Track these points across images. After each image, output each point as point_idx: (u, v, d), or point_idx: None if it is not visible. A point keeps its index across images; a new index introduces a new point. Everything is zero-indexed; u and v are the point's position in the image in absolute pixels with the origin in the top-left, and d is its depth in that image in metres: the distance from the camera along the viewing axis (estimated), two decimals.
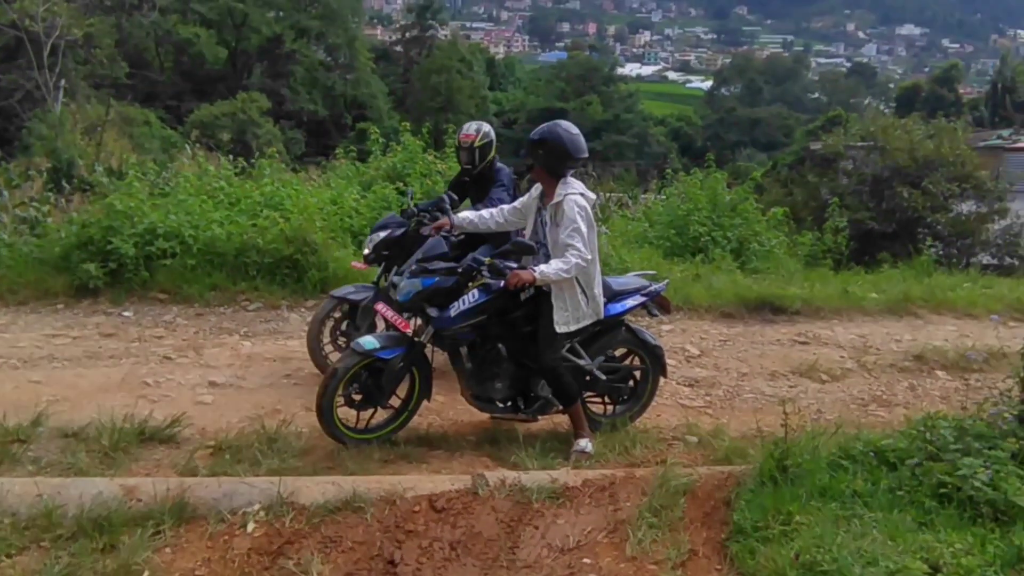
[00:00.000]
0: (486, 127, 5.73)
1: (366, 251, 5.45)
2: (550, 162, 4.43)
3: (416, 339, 4.47)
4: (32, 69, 26.01)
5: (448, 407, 5.16)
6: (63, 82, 27.16)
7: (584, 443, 4.55)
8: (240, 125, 32.90)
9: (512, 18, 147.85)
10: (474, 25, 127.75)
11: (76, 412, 4.61)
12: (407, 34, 55.65)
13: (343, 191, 8.15)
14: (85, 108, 24.71)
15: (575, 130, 4.50)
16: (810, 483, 3.62)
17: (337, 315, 5.59)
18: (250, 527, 3.51)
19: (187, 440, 4.44)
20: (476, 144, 5.60)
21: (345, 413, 4.46)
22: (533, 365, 4.59)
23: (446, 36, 57.99)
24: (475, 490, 3.84)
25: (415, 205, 5.63)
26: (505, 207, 4.87)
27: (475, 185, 5.78)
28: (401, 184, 8.46)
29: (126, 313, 6.45)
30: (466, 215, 4.89)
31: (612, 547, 3.57)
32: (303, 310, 6.77)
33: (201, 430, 4.57)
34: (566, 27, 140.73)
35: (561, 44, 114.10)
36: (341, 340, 5.58)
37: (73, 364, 5.45)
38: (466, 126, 5.75)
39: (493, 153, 5.72)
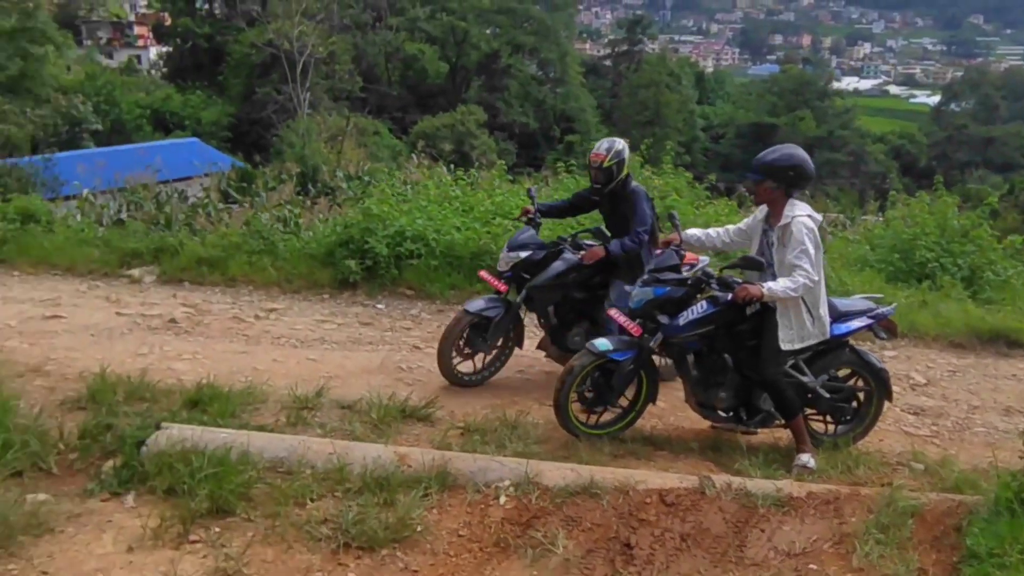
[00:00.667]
0: (619, 145, 5.62)
1: (501, 267, 5.58)
2: (795, 184, 4.60)
3: (645, 345, 4.79)
4: (285, 84, 29.02)
5: (669, 412, 5.43)
6: (309, 95, 30.09)
7: (806, 458, 4.68)
8: (459, 136, 34.68)
9: (722, 31, 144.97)
10: (683, 39, 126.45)
11: (347, 388, 5.32)
12: (616, 49, 56.29)
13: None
14: (327, 119, 27.15)
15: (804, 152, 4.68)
16: None
17: (468, 328, 5.59)
18: (502, 500, 3.97)
19: (440, 420, 5.00)
20: (605, 164, 5.52)
21: (578, 408, 4.86)
22: (756, 378, 4.78)
23: (655, 50, 58.04)
24: (702, 489, 4.09)
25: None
26: (731, 227, 5.07)
27: (607, 203, 5.72)
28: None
29: (379, 305, 7.26)
30: (694, 232, 5.13)
31: (838, 557, 3.71)
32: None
33: (450, 413, 5.13)
34: (778, 39, 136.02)
35: (773, 57, 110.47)
36: (467, 350, 5.65)
37: (340, 347, 6.25)
38: (597, 144, 5.68)
39: (626, 171, 5.62)
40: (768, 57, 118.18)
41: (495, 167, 10.61)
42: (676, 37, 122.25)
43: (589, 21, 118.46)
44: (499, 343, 5.71)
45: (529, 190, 6.22)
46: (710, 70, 77.61)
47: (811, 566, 3.65)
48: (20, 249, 7.77)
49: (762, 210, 4.81)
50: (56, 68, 35.74)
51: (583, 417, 4.90)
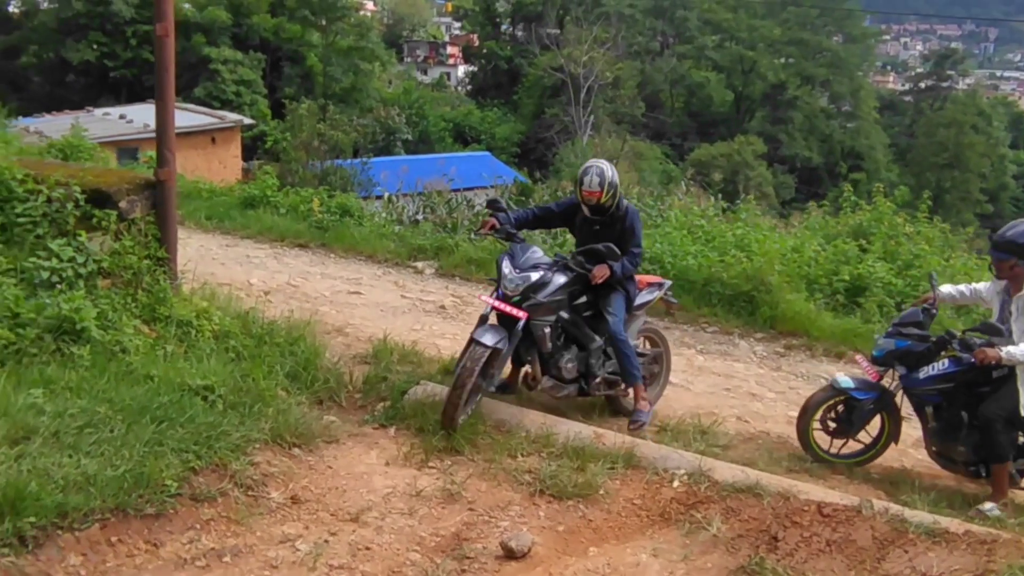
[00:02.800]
0: (609, 173, 5.28)
1: (510, 291, 5.08)
2: None
3: (887, 389, 5.27)
4: (571, 106, 31.05)
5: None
6: (592, 118, 31.90)
7: (991, 506, 4.89)
8: (734, 166, 34.74)
9: None
10: (1006, 74, 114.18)
11: None
12: (919, 84, 52.65)
13: (806, 241, 9.01)
14: (606, 141, 28.71)
15: None
16: None
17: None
18: (675, 484, 4.73)
19: None
20: (603, 201, 5.26)
21: (821, 436, 5.41)
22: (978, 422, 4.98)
23: (969, 85, 53.51)
24: (859, 508, 4.56)
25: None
26: (978, 286, 5.37)
27: (599, 225, 5.44)
28: (864, 241, 9.01)
29: None
30: (948, 290, 5.47)
31: None
32: (752, 339, 7.83)
33: (654, 413, 5.93)
34: None
35: None
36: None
37: None
38: (587, 179, 5.25)
39: (619, 196, 5.38)
40: None
41: (745, 199, 11.09)
42: (999, 72, 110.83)
43: (896, 52, 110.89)
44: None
45: (496, 201, 5.64)
46: None
47: None
48: (337, 236, 9.67)
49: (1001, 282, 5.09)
50: (379, 82, 40.84)
51: (825, 444, 5.43)
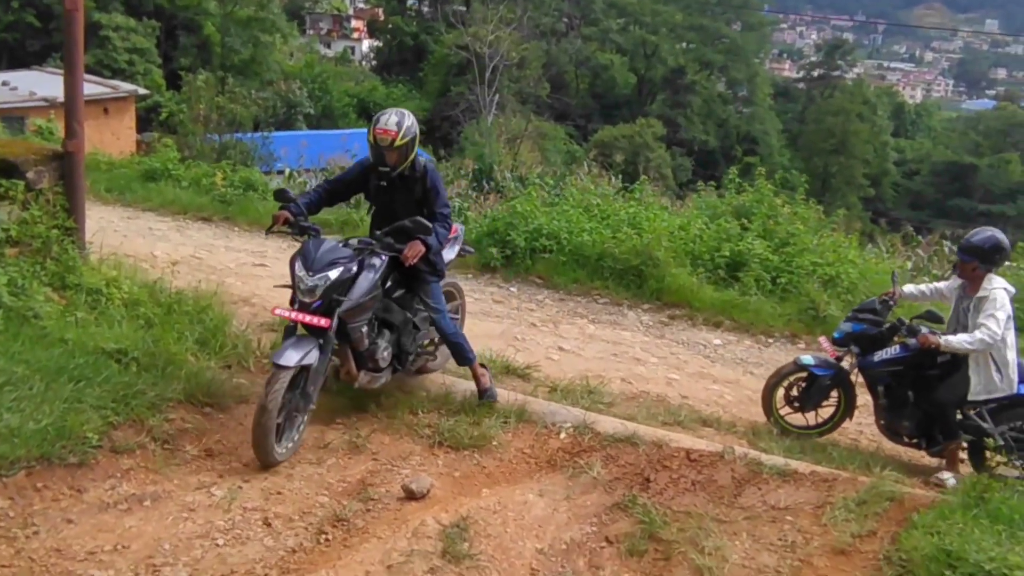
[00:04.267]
0: (409, 121, 4.88)
1: (306, 297, 4.54)
2: (998, 264, 5.52)
3: (843, 368, 5.87)
4: (475, 84, 31.33)
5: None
6: (497, 97, 32.31)
7: (948, 476, 5.44)
8: (635, 148, 35.74)
9: (938, 60, 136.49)
10: (893, 65, 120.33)
11: (473, 339, 6.73)
12: (813, 72, 55.13)
13: (692, 219, 9.68)
14: (511, 121, 29.16)
15: None
16: None
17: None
18: (562, 435, 5.23)
19: (535, 379, 6.30)
20: (398, 142, 4.80)
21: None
22: (932, 410, 5.62)
23: (859, 75, 56.30)
24: (723, 454, 5.16)
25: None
26: (939, 285, 5.93)
27: (390, 187, 4.99)
28: (745, 220, 9.74)
29: (512, 288, 8.66)
30: (910, 289, 6.02)
31: (812, 516, 4.67)
32: (640, 310, 8.42)
33: (546, 375, 6.40)
34: (1002, 73, 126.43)
35: (992, 92, 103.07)
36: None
37: (472, 316, 7.55)
38: (383, 118, 4.87)
39: (416, 150, 4.96)
40: (987, 92, 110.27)
41: (639, 181, 11.69)
42: (885, 63, 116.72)
43: (792, 40, 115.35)
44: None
45: (283, 191, 5.04)
46: (917, 100, 73.96)
47: (787, 517, 4.65)
48: (240, 210, 9.80)
49: (956, 280, 5.70)
50: (281, 55, 40.03)
51: (783, 412, 5.99)
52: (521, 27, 35.54)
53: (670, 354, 7.47)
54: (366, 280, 4.68)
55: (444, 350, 5.69)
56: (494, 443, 5.05)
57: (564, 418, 5.40)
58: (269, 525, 3.94)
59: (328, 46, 56.97)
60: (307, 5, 59.41)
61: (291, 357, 4.34)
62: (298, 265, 4.58)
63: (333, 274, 4.51)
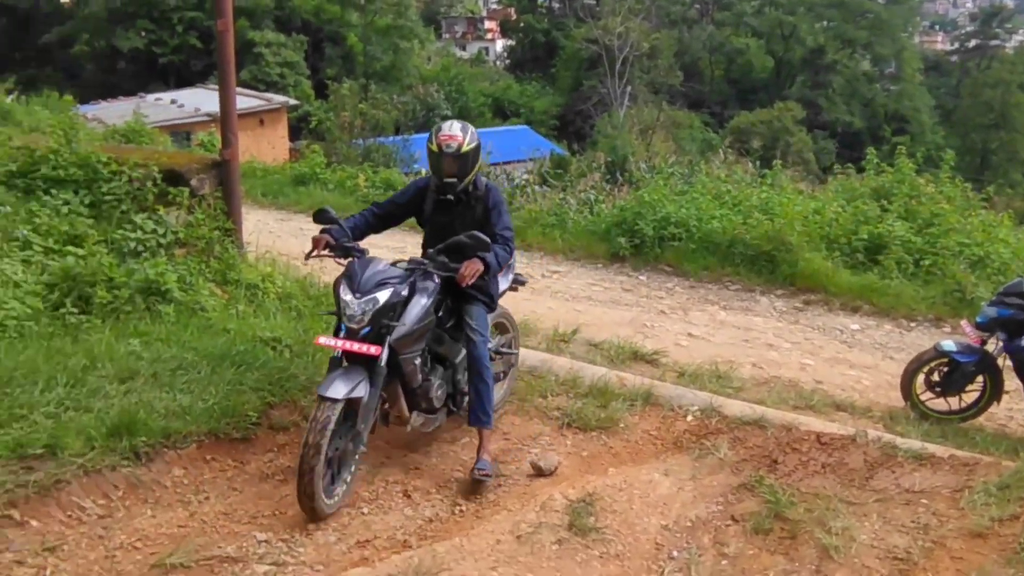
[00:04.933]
0: (472, 129, 4.47)
1: (353, 323, 4.01)
2: None
3: (988, 352, 5.71)
4: (606, 77, 31.37)
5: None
6: (629, 89, 32.20)
7: None
8: (774, 132, 34.68)
9: None
10: None
11: (598, 333, 6.88)
12: (966, 44, 51.54)
13: (827, 203, 9.43)
14: (643, 112, 28.99)
15: None
16: None
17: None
18: (688, 418, 5.31)
19: (663, 364, 6.38)
20: (464, 148, 4.34)
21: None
22: None
23: (1021, 43, 52.24)
24: (855, 437, 5.09)
25: None
26: None
27: (449, 207, 4.50)
28: (885, 201, 9.39)
29: (641, 277, 8.75)
30: None
31: (950, 500, 4.55)
32: (772, 296, 8.32)
33: (674, 361, 6.48)
34: None
35: None
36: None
37: (601, 304, 7.85)
38: (447, 125, 4.47)
39: (480, 163, 4.54)
40: None
41: (773, 167, 11.48)
42: None
43: (944, 11, 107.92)
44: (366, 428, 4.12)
45: (324, 211, 4.43)
46: None
47: (922, 500, 4.55)
48: None
49: None
50: (419, 60, 41.39)
51: (924, 398, 5.87)
52: (650, 17, 35.24)
53: (804, 339, 7.36)
54: (419, 305, 4.12)
55: (503, 387, 5.19)
56: (621, 425, 5.19)
57: (691, 401, 5.47)
58: (409, 496, 4.25)
59: (463, 48, 58.31)
60: (442, 10, 61.03)
61: (339, 389, 3.79)
62: (343, 288, 4.04)
63: (382, 296, 3.95)
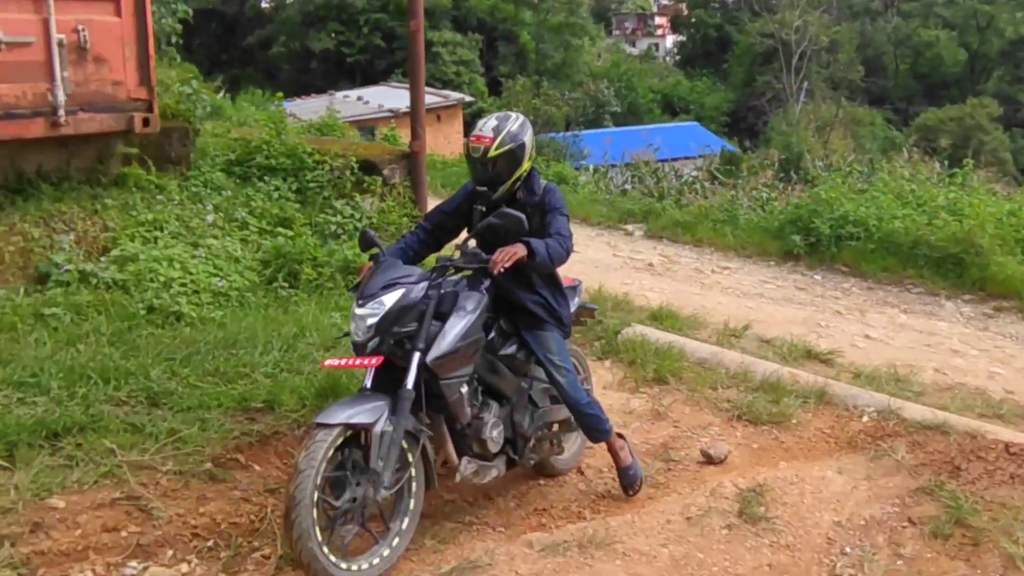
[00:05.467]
0: (514, 123, 3.72)
1: (359, 336, 3.38)
2: None
3: None
4: (781, 72, 30.41)
5: None
6: (806, 84, 31.07)
7: None
8: (965, 131, 32.38)
9: None
10: None
11: (769, 329, 6.82)
12: None
13: None
14: (819, 108, 27.89)
15: None
16: None
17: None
18: (864, 419, 5.21)
19: (838, 364, 6.25)
20: (492, 152, 3.63)
21: None
22: None
23: None
24: None
25: None
26: None
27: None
28: None
29: (816, 276, 8.55)
30: None
31: None
32: (959, 301, 7.91)
33: (850, 362, 6.32)
34: None
35: None
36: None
37: (773, 302, 7.75)
38: (481, 123, 3.79)
39: (527, 165, 3.75)
40: None
41: (963, 166, 10.85)
42: None
43: None
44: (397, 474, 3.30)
45: (367, 234, 3.69)
46: None
47: None
48: None
49: None
50: (589, 56, 41.66)
51: None
52: (831, 10, 33.72)
53: (994, 347, 6.97)
54: (463, 319, 3.47)
55: (575, 441, 4.42)
56: (793, 421, 5.17)
57: (867, 402, 5.36)
58: (582, 473, 4.46)
59: (633, 45, 58.06)
60: (612, 6, 60.98)
61: (337, 413, 3.14)
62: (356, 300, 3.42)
63: (390, 299, 3.29)
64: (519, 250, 3.46)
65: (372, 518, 3.25)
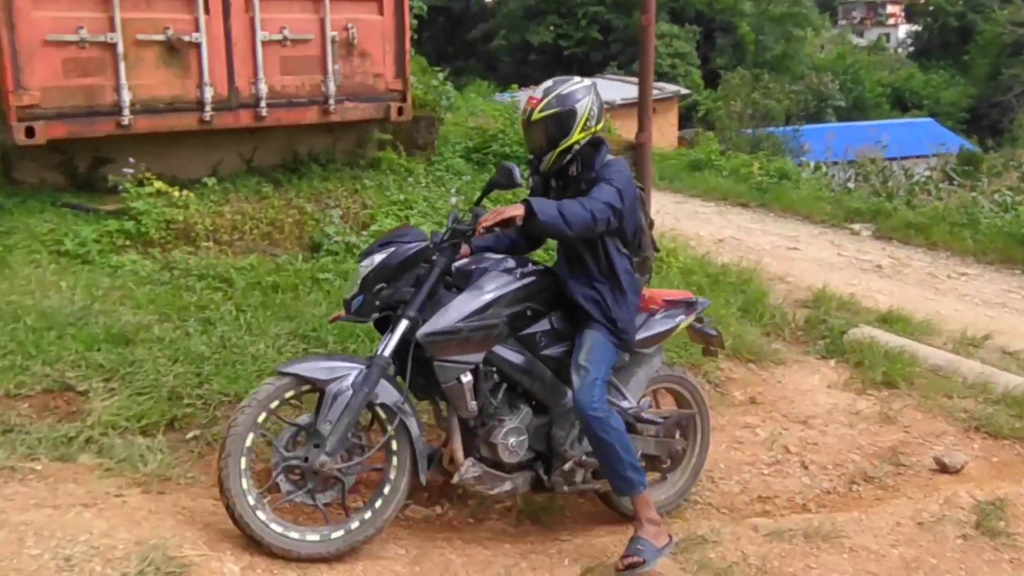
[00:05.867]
0: (571, 85, 3.28)
1: (348, 295, 3.20)
2: None
3: None
4: None
5: None
6: None
7: None
8: None
9: None
10: None
11: (1012, 342, 6.37)
12: None
13: None
14: None
15: None
16: None
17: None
18: None
19: None
20: (536, 115, 3.24)
21: None
22: None
23: None
24: None
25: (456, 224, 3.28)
26: None
27: (557, 193, 3.35)
28: None
29: None
30: None
31: None
32: None
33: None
34: None
35: None
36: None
37: (1019, 313, 7.21)
38: (542, 85, 3.37)
39: (581, 133, 3.26)
40: None
41: None
42: None
43: None
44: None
45: (459, 225, 3.26)
46: None
47: None
48: (775, 197, 10.46)
49: None
50: (811, 48, 39.78)
51: None
52: None
53: None
54: (476, 297, 3.14)
55: (669, 485, 3.87)
56: None
57: None
58: (806, 468, 4.46)
59: (860, 35, 54.61)
60: None
61: (298, 364, 3.05)
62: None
63: (380, 255, 3.08)
64: (513, 209, 3.04)
65: (323, 489, 2.97)
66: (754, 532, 3.63)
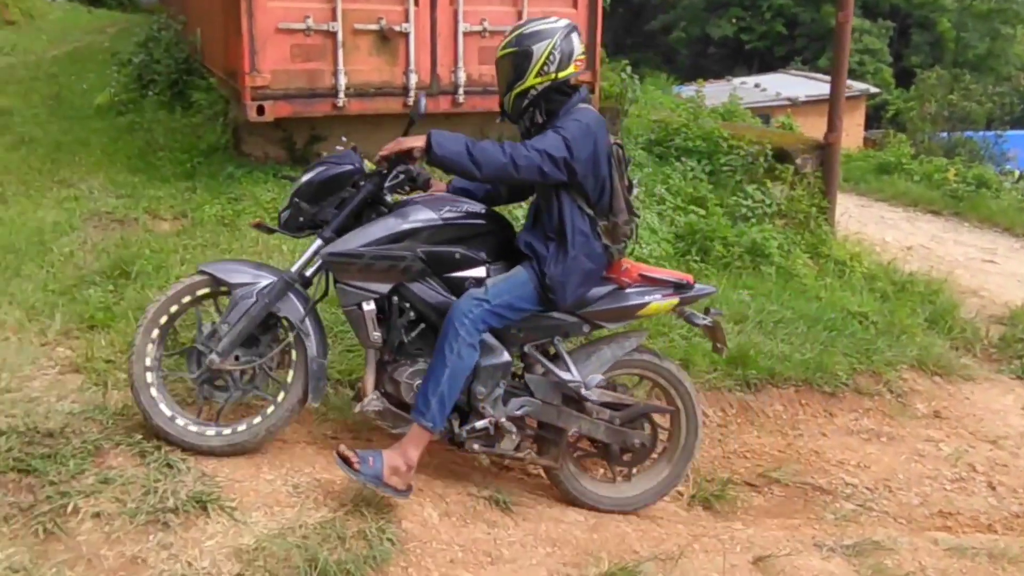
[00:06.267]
0: (535, 26, 3.04)
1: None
2: None
3: None
4: None
5: None
6: None
7: None
8: None
9: None
10: None
11: None
12: None
13: None
14: None
15: None
16: None
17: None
18: None
19: None
20: (500, 52, 3.05)
21: None
22: None
23: None
24: None
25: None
26: None
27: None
28: None
29: None
30: None
31: None
32: None
33: None
34: None
35: None
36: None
37: None
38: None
39: (534, 80, 3.01)
40: None
41: None
42: None
43: None
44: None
45: (418, 103, 3.16)
46: None
47: None
48: (972, 206, 9.82)
49: None
50: (1021, 47, 36.58)
51: None
52: None
53: None
54: (386, 228, 3.04)
55: (647, 480, 3.51)
56: None
57: None
58: (993, 488, 4.27)
59: None
60: None
61: (218, 266, 3.12)
62: None
63: (309, 174, 3.11)
64: (413, 140, 2.91)
65: (213, 389, 3.05)
66: (934, 545, 3.55)
